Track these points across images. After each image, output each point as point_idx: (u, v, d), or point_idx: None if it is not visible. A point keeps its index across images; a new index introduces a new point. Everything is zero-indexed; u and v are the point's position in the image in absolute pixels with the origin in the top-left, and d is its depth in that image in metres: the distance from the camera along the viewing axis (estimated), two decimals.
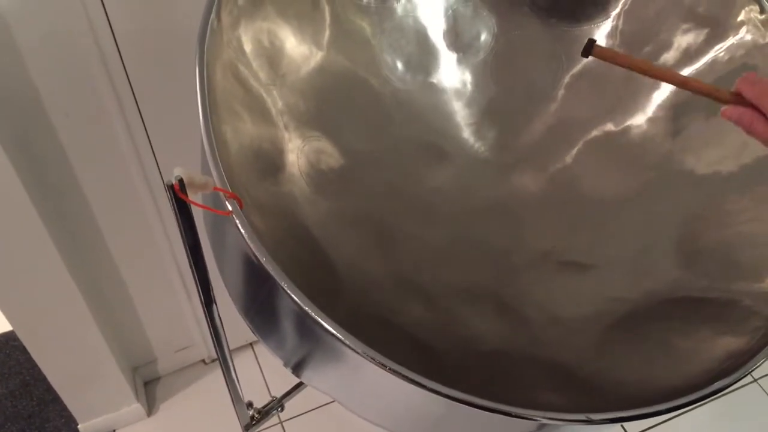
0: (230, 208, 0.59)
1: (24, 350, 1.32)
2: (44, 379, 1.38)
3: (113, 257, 1.32)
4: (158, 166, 1.19)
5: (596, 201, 0.90)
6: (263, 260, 0.57)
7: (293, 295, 0.57)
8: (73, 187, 1.16)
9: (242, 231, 0.58)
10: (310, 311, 0.57)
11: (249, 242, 0.58)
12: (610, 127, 0.92)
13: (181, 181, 0.56)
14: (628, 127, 0.91)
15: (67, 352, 1.34)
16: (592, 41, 0.66)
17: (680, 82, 0.66)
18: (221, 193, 0.59)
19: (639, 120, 0.90)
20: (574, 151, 0.93)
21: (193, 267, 0.64)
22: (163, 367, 1.64)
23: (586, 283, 0.85)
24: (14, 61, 0.97)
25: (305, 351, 0.70)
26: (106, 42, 0.99)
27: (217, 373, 1.66)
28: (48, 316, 1.25)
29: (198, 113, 0.62)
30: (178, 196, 0.56)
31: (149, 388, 1.63)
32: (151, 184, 1.21)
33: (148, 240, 1.31)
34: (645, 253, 0.84)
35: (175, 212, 0.59)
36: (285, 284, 0.57)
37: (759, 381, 1.67)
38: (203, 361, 1.68)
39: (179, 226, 0.60)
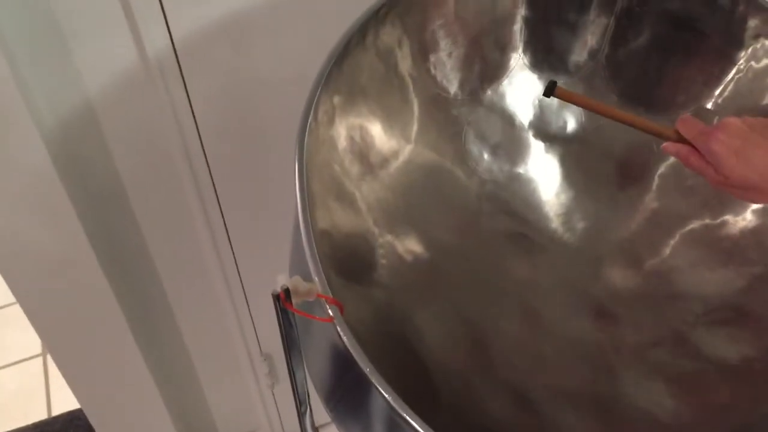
0: (332, 314, 0.57)
1: (89, 429, 1.31)
2: None
3: (184, 340, 1.32)
4: (235, 260, 1.21)
5: (696, 297, 0.86)
6: (367, 370, 0.56)
7: (396, 407, 0.55)
8: (148, 273, 1.17)
9: (344, 339, 0.56)
10: (411, 420, 0.54)
11: (352, 351, 0.56)
12: (707, 219, 0.88)
13: (287, 290, 0.55)
14: (727, 220, 0.87)
15: None
16: (553, 82, 0.72)
17: (629, 121, 0.73)
18: (323, 300, 0.57)
19: (739, 211, 0.87)
20: (671, 243, 0.89)
21: (293, 374, 0.62)
22: None
23: (690, 386, 0.80)
24: (101, 153, 0.99)
25: None
26: (191, 137, 1.02)
27: None
28: (117, 397, 1.24)
29: (298, 215, 0.61)
30: (284, 305, 0.55)
31: None
32: (227, 274, 1.22)
33: (219, 325, 1.31)
34: (754, 357, 0.79)
35: (280, 321, 0.57)
36: (390, 397, 0.55)
37: None
38: None
39: (282, 334, 0.58)
